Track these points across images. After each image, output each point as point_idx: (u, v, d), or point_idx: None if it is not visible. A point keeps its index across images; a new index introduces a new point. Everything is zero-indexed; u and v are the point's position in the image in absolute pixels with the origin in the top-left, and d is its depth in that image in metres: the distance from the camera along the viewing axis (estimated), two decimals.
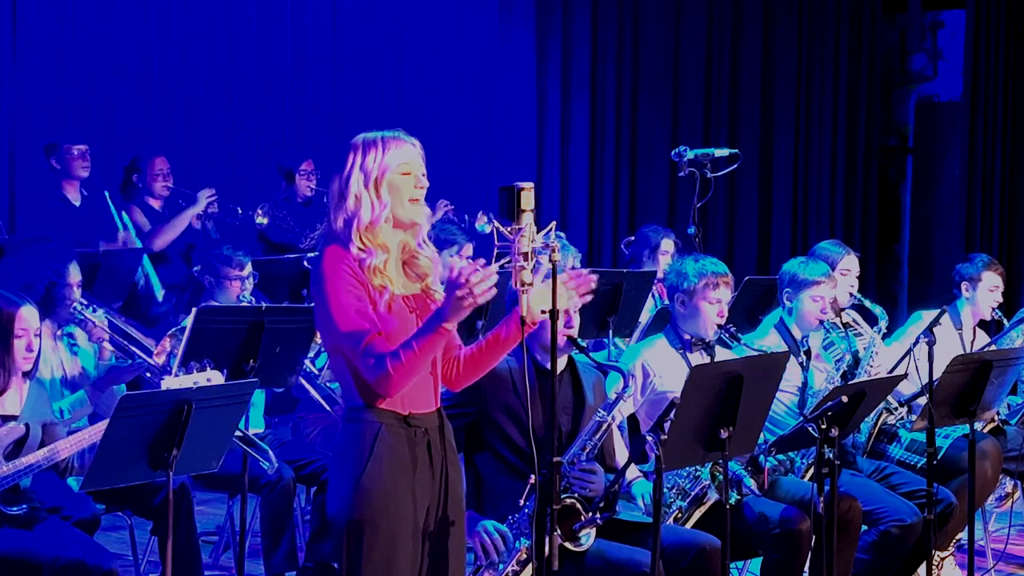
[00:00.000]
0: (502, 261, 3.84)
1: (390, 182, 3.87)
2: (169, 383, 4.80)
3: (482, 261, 3.75)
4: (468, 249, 7.74)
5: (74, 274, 5.80)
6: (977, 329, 7.24)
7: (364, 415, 3.86)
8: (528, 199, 3.80)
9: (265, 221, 8.83)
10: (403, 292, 3.90)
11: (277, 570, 6.13)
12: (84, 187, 8.39)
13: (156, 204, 8.66)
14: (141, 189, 8.62)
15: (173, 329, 5.77)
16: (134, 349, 5.62)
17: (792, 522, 5.33)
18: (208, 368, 4.87)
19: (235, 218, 8.86)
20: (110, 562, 4.92)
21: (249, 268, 6.61)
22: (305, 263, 7.55)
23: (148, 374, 5.48)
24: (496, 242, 3.83)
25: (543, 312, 3.84)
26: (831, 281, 6.17)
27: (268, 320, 5.66)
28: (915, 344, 6.05)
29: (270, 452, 5.74)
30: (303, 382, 6.18)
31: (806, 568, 5.45)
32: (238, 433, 5.51)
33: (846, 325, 6.39)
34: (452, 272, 3.72)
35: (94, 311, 5.82)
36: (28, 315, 5.08)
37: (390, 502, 3.82)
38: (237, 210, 8.83)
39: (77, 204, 8.37)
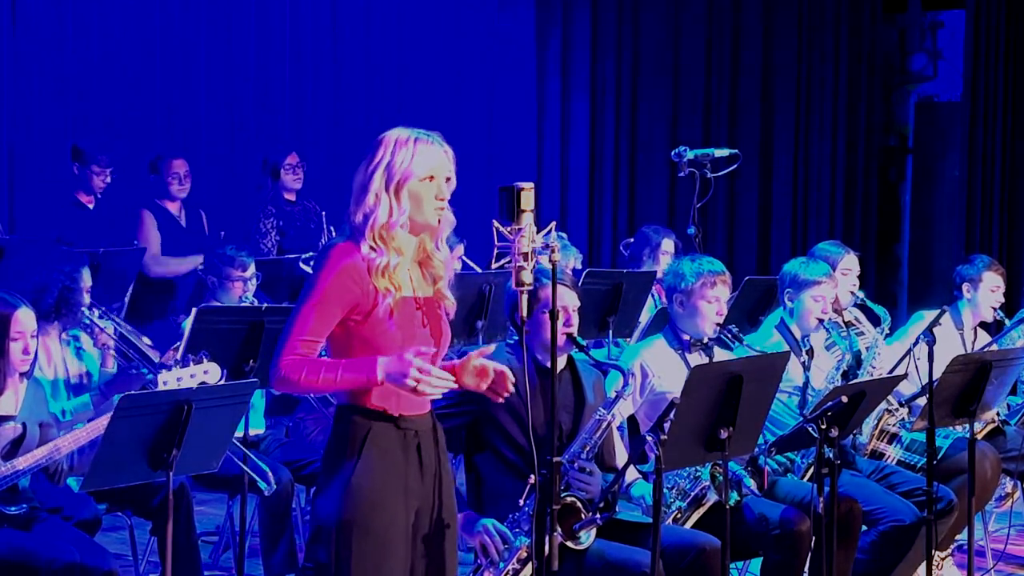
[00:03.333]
0: (502, 261, 3.85)
1: (411, 190, 3.81)
2: (166, 376, 4.79)
3: (451, 378, 3.76)
4: (460, 249, 7.72)
5: (86, 279, 5.80)
6: (978, 329, 7.23)
7: (354, 415, 3.84)
8: (528, 199, 3.80)
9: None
10: (416, 294, 3.88)
11: (276, 571, 6.13)
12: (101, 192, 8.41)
13: (173, 208, 8.58)
14: (158, 190, 8.58)
15: (179, 343, 5.76)
16: (139, 360, 5.59)
17: (792, 523, 5.33)
18: (205, 360, 4.86)
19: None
20: (110, 563, 4.92)
21: (252, 269, 6.63)
22: (301, 263, 7.55)
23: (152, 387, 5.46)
24: (496, 242, 3.83)
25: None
26: (832, 281, 6.17)
27: (268, 320, 5.66)
28: (915, 344, 6.05)
29: (269, 473, 5.73)
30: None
31: (806, 569, 5.45)
32: (240, 450, 5.52)
33: (848, 324, 6.39)
34: (410, 360, 3.69)
35: (102, 318, 5.81)
36: (24, 317, 5.06)
37: (379, 503, 3.80)
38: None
39: (91, 207, 8.38)
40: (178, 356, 5.57)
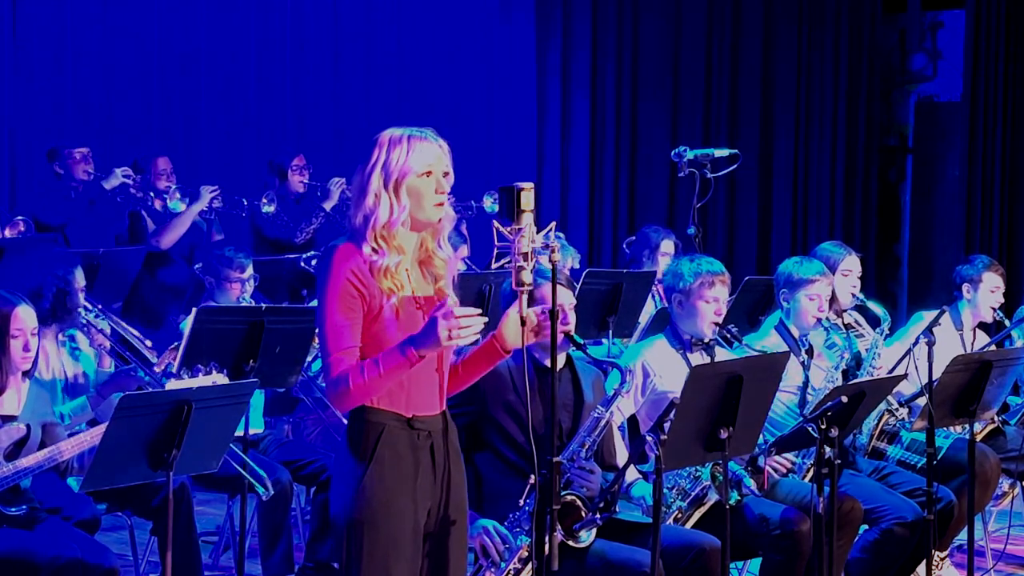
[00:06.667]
0: (502, 261, 3.85)
1: (410, 186, 3.81)
2: (174, 385, 4.79)
3: (478, 311, 3.76)
4: (464, 250, 7.72)
5: (79, 279, 5.79)
6: (977, 330, 7.23)
7: (367, 416, 3.84)
8: (528, 199, 3.80)
9: (272, 209, 8.81)
10: (417, 293, 3.88)
11: (274, 572, 6.13)
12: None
13: (159, 204, 8.63)
14: (143, 188, 8.61)
15: (176, 343, 5.75)
16: (135, 361, 5.58)
17: (792, 523, 5.33)
18: (214, 371, 4.86)
19: (241, 209, 8.85)
20: (111, 561, 4.92)
21: (250, 270, 6.62)
22: (302, 263, 7.54)
23: (148, 387, 5.46)
24: (496, 242, 3.83)
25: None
26: (826, 279, 6.15)
27: (268, 320, 5.66)
28: (915, 344, 6.05)
29: (267, 479, 5.72)
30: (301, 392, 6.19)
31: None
32: (239, 455, 5.52)
33: (848, 326, 6.38)
34: (442, 307, 3.71)
35: (98, 317, 5.81)
36: (24, 314, 5.06)
37: (391, 503, 3.80)
38: (243, 201, 8.83)
39: (85, 201, 8.39)
40: (174, 359, 5.56)
